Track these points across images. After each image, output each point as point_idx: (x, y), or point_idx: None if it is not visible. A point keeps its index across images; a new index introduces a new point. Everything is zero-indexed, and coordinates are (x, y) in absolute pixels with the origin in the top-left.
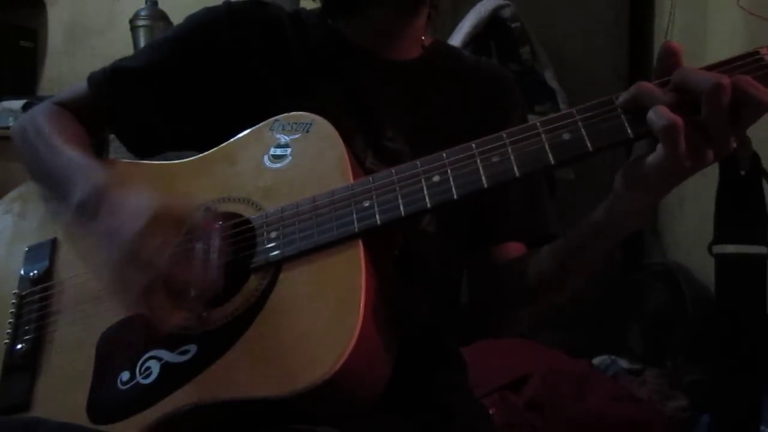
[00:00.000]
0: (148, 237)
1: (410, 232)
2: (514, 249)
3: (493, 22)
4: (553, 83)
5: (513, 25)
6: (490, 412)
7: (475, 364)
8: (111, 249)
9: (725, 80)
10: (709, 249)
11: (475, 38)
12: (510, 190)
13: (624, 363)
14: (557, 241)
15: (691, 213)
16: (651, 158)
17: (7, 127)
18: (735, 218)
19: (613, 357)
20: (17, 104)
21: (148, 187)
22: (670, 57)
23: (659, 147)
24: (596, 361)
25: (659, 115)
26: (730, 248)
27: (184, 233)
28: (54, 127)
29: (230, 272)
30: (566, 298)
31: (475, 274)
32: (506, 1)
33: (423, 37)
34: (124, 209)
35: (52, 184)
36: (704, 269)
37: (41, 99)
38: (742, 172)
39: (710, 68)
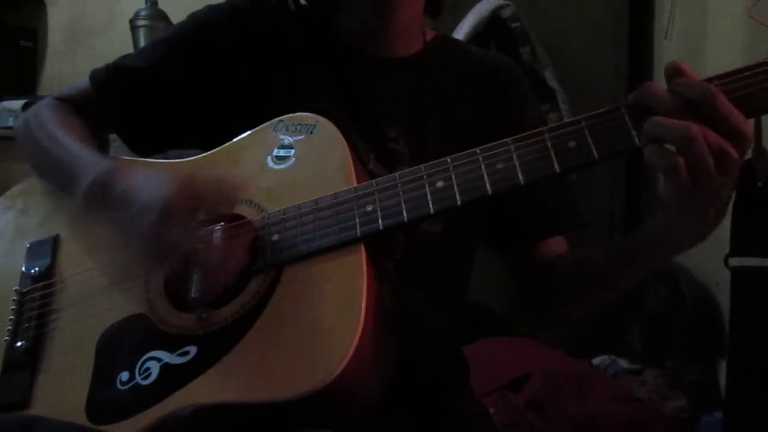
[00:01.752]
0: (167, 224)
1: (414, 235)
2: (556, 243)
3: (493, 22)
4: (553, 83)
5: (513, 25)
6: (490, 412)
7: (475, 364)
8: (132, 237)
9: (693, 131)
10: (725, 261)
11: (475, 38)
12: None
13: (624, 363)
14: (609, 246)
15: None
16: (662, 190)
17: (8, 127)
18: (753, 230)
19: (613, 357)
20: (17, 104)
21: (154, 170)
22: (678, 76)
23: (663, 182)
24: (596, 361)
25: (660, 155)
26: (749, 261)
27: (202, 212)
28: (57, 120)
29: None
30: (616, 297)
31: (522, 273)
32: (506, 1)
33: (425, 32)
34: (135, 199)
35: (56, 177)
36: (704, 269)
37: (41, 99)
38: (759, 184)
39: (720, 78)
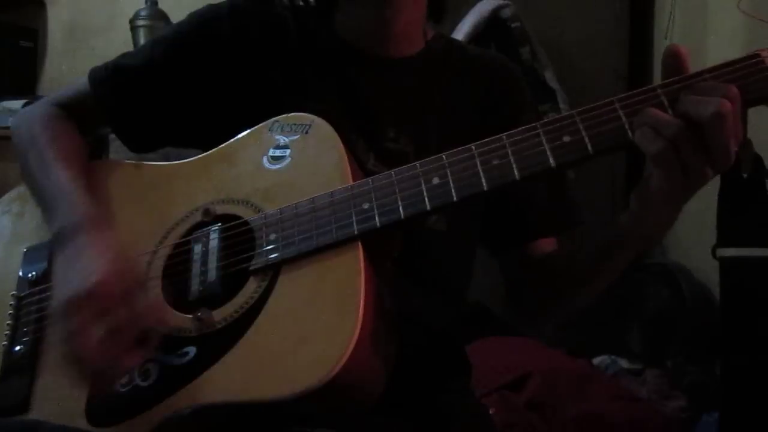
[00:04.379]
0: (79, 307)
1: (418, 231)
2: (547, 243)
3: (493, 22)
4: (553, 83)
5: (513, 25)
6: (490, 412)
7: (475, 364)
8: (59, 296)
9: (725, 108)
10: (713, 252)
11: (475, 38)
12: (537, 184)
13: (624, 363)
14: (588, 243)
15: (691, 213)
16: (652, 181)
17: (7, 127)
18: (739, 221)
19: (613, 357)
20: (17, 104)
21: (111, 241)
22: (675, 59)
23: (654, 170)
24: (596, 361)
25: (652, 140)
26: (735, 251)
27: (116, 314)
28: (48, 138)
29: (229, 274)
30: (595, 296)
31: (515, 273)
32: (506, 1)
33: (426, 32)
34: (77, 264)
35: (38, 199)
36: (704, 269)
37: (41, 99)
38: (744, 175)
39: (711, 71)
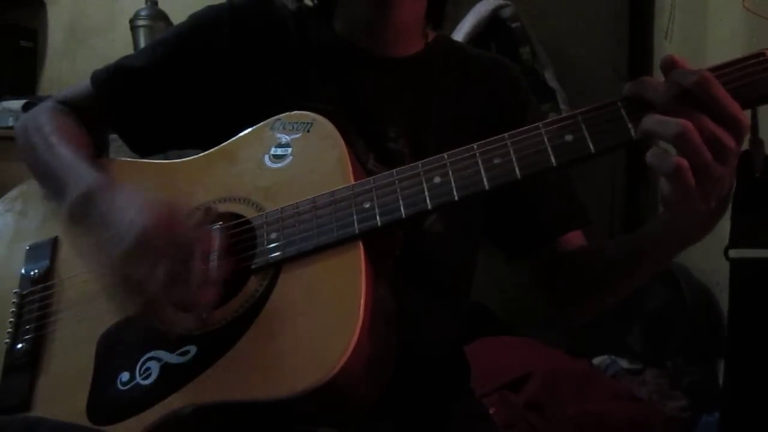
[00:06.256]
0: (136, 259)
1: (415, 233)
2: (576, 237)
3: (493, 22)
4: (553, 83)
5: (513, 25)
6: (490, 412)
7: (475, 364)
8: (104, 262)
9: (688, 127)
10: (725, 253)
11: (475, 38)
12: (548, 183)
13: (624, 363)
14: (622, 240)
15: None
16: (665, 191)
17: (8, 127)
18: (752, 222)
19: (613, 357)
20: (17, 104)
21: (139, 190)
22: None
23: (664, 183)
24: (596, 361)
25: (662, 160)
26: (748, 253)
27: (177, 246)
28: (54, 125)
29: (230, 273)
30: (630, 291)
31: (547, 273)
32: (506, 1)
33: (427, 33)
34: (111, 222)
35: (48, 184)
36: (704, 269)
37: (41, 99)
38: (757, 174)
39: (714, 70)
